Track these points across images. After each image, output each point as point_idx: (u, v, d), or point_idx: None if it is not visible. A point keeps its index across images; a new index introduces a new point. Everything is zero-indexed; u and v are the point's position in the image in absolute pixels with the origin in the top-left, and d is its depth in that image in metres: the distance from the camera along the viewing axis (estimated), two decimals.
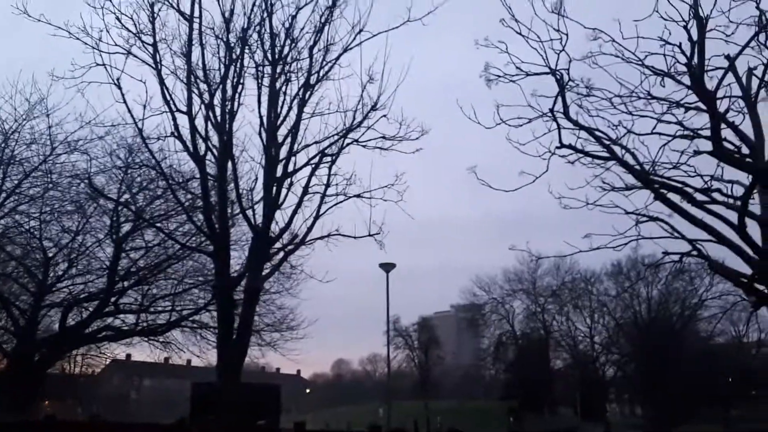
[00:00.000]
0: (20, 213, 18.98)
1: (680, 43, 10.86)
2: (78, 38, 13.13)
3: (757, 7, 10.47)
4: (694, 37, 10.61)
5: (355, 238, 14.33)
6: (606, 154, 12.27)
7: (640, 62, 11.54)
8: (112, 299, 20.02)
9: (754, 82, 11.70)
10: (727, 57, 11.01)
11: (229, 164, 14.05)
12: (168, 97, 13.44)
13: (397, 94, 14.16)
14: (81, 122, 15.98)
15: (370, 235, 14.27)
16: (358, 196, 14.39)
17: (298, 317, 21.88)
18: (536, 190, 12.79)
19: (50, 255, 19.56)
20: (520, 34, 11.39)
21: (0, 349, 20.18)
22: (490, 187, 12.91)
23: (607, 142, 12.25)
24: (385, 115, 14.30)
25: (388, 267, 24.24)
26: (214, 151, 13.91)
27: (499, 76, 11.67)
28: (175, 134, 13.57)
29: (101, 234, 20.03)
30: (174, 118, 13.54)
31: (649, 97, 11.81)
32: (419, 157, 14.72)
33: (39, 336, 20.03)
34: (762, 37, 10.62)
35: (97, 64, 13.10)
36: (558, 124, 11.88)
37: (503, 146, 12.62)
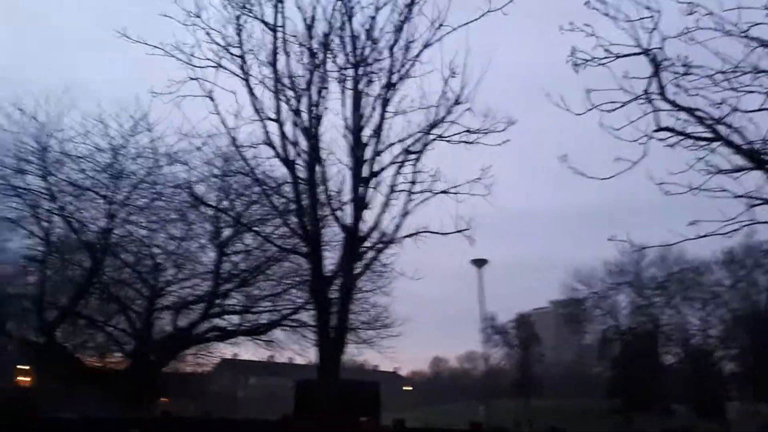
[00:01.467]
0: (131, 223, 20.46)
1: None
2: (172, 55, 13.96)
3: None
4: None
5: (443, 234, 14.27)
6: (710, 135, 11.37)
7: (743, 34, 10.62)
8: (218, 301, 21.14)
9: None
10: None
11: (318, 167, 14.41)
12: (257, 106, 14.01)
13: (481, 86, 14.00)
14: (179, 135, 17.04)
15: (458, 231, 14.16)
16: (445, 192, 14.31)
17: (392, 315, 22.12)
18: (633, 176, 12.10)
19: (159, 261, 20.93)
20: (607, 15, 10.83)
21: (121, 349, 21.84)
22: (584, 175, 12.35)
23: (711, 122, 11.36)
24: (469, 109, 14.19)
25: (480, 263, 23.93)
26: (303, 155, 14.32)
27: (587, 60, 11.14)
28: (267, 141, 14.12)
29: (204, 239, 21.19)
30: (264, 126, 14.12)
31: (756, 71, 10.84)
32: (506, 149, 14.42)
33: (154, 337, 21.47)
34: None
35: (191, 79, 13.90)
36: (654, 107, 11.19)
37: (595, 133, 12.05)
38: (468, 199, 14.16)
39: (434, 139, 14.46)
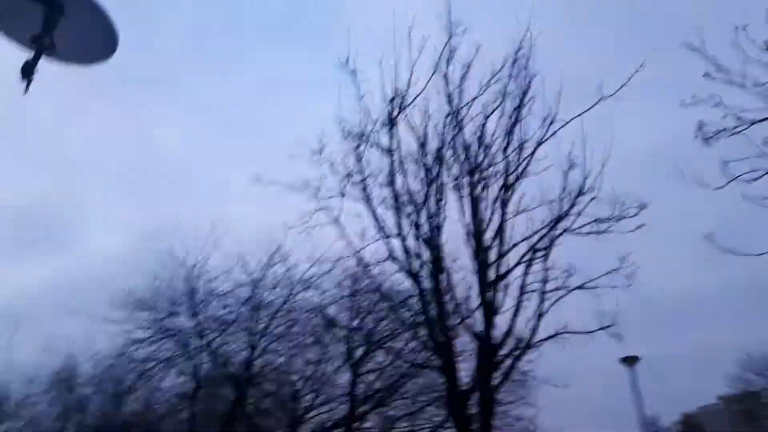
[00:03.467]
0: (270, 352, 21.11)
1: None
2: (302, 191, 14.95)
3: None
4: None
5: (586, 333, 13.32)
6: None
7: None
8: (355, 424, 20.75)
9: None
10: None
11: (442, 276, 14.28)
12: (380, 225, 14.43)
13: (605, 173, 13.58)
14: (311, 261, 17.76)
15: (603, 329, 13.16)
16: (581, 287, 13.53)
17: (539, 427, 20.43)
18: None
19: (297, 387, 21.18)
20: (732, 83, 10.28)
21: None
22: (734, 253, 11.25)
23: None
24: (594, 198, 13.70)
25: (631, 361, 21.85)
26: (427, 266, 14.31)
27: (718, 132, 10.49)
28: (391, 256, 14.34)
29: (338, 361, 21.29)
30: (388, 242, 14.42)
31: None
32: (644, 234, 13.57)
33: None
34: None
35: (319, 209, 14.72)
36: None
37: (738, 205, 11.10)
38: (609, 292, 13.28)
39: (561, 234, 13.97)
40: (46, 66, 3.86)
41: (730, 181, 10.76)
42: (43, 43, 3.82)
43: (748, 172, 10.76)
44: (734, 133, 10.44)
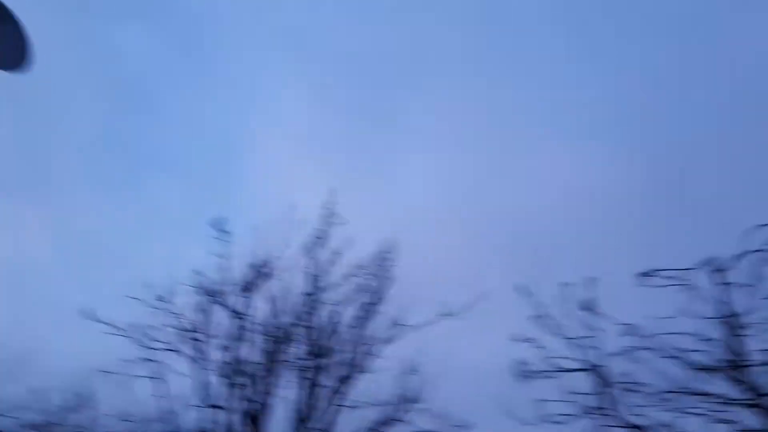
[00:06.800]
0: None
1: (717, 339, 10.68)
2: (132, 337, 14.09)
3: None
4: (731, 332, 10.47)
5: None
6: None
7: (679, 357, 11.23)
8: None
9: None
10: None
11: None
12: (207, 392, 13.70)
13: (438, 387, 14.03)
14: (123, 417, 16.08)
15: None
16: None
17: None
18: None
19: None
20: (553, 332, 11.58)
21: None
22: None
23: None
24: (424, 409, 13.99)
25: None
26: None
27: (535, 372, 11.51)
28: (209, 429, 13.43)
29: None
30: (212, 413, 13.59)
31: (698, 394, 11.17)
32: None
33: None
34: None
35: (146, 359, 13.82)
36: (602, 422, 11.19)
37: None
38: None
39: None
40: None
41: (542, 422, 11.53)
42: None
43: (558, 415, 11.64)
44: (549, 377, 11.47)
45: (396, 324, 14.61)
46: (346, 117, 28.24)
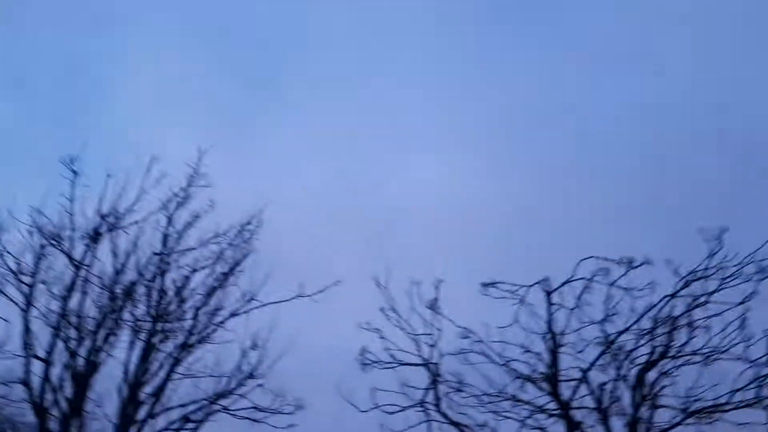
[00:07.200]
0: None
1: (539, 352, 11.88)
2: None
3: (602, 330, 11.90)
4: (550, 348, 11.71)
5: None
6: None
7: (505, 365, 12.32)
8: None
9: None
10: (581, 369, 12.03)
11: (75, 420, 12.68)
12: (28, 341, 12.63)
13: (279, 366, 14.05)
14: None
15: None
16: None
17: None
18: None
19: None
20: (397, 325, 12.14)
21: None
22: None
23: None
24: (260, 385, 13.96)
25: None
26: (63, 404, 12.64)
27: (374, 362, 12.02)
28: (24, 382, 12.42)
29: None
30: (28, 363, 12.56)
31: (514, 399, 12.34)
32: None
33: None
34: (607, 357, 11.84)
35: None
36: (429, 416, 11.98)
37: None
38: None
39: (219, 411, 13.73)
40: None
41: (373, 408, 12.08)
42: None
43: (389, 405, 12.27)
44: (386, 368, 12.05)
45: (247, 297, 14.39)
46: (229, 81, 27.22)
